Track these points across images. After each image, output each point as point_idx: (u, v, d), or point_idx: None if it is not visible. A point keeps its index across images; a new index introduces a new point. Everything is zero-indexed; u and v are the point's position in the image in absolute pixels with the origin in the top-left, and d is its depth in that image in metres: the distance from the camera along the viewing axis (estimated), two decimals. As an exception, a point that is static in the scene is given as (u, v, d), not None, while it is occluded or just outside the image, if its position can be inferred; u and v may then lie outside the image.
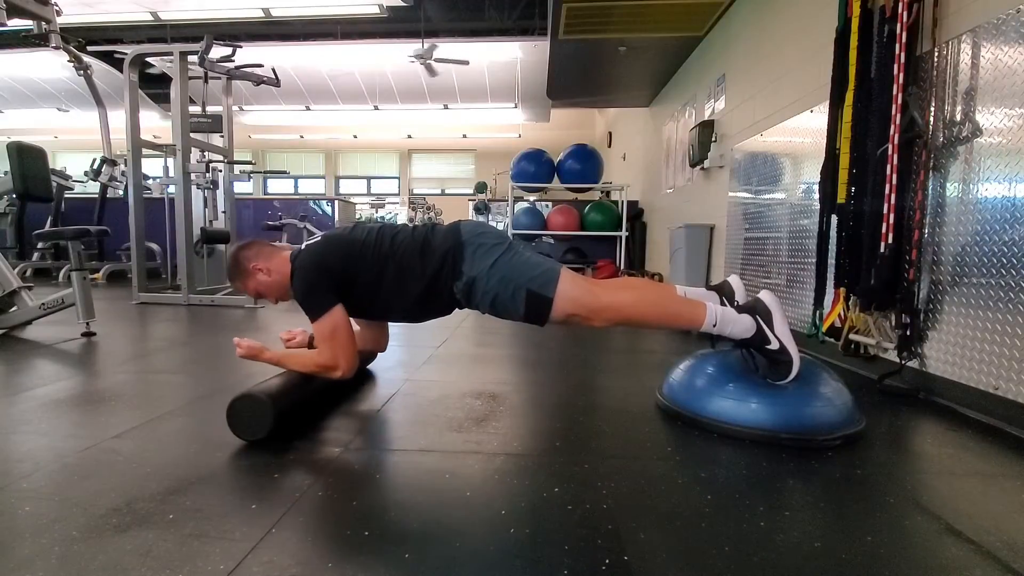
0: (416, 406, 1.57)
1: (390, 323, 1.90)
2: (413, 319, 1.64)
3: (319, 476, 1.09)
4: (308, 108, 9.68)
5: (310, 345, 1.73)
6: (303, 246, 1.58)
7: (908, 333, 1.77)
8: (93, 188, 5.75)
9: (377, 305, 1.55)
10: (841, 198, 2.00)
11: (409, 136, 12.51)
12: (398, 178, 13.30)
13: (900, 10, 1.76)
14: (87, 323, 2.58)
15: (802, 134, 2.52)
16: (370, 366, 2.01)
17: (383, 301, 1.53)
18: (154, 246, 5.71)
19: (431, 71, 7.12)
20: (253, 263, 1.59)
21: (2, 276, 2.59)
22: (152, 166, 6.47)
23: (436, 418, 1.46)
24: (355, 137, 12.58)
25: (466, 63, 6.95)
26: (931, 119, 1.74)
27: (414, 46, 6.85)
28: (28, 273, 5.56)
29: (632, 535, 0.89)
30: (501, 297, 1.43)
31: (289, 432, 1.32)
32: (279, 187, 13.23)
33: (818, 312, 2.20)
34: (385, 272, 1.49)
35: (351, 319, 1.52)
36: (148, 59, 4.53)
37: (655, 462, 1.20)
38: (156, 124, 8.78)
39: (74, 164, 8.31)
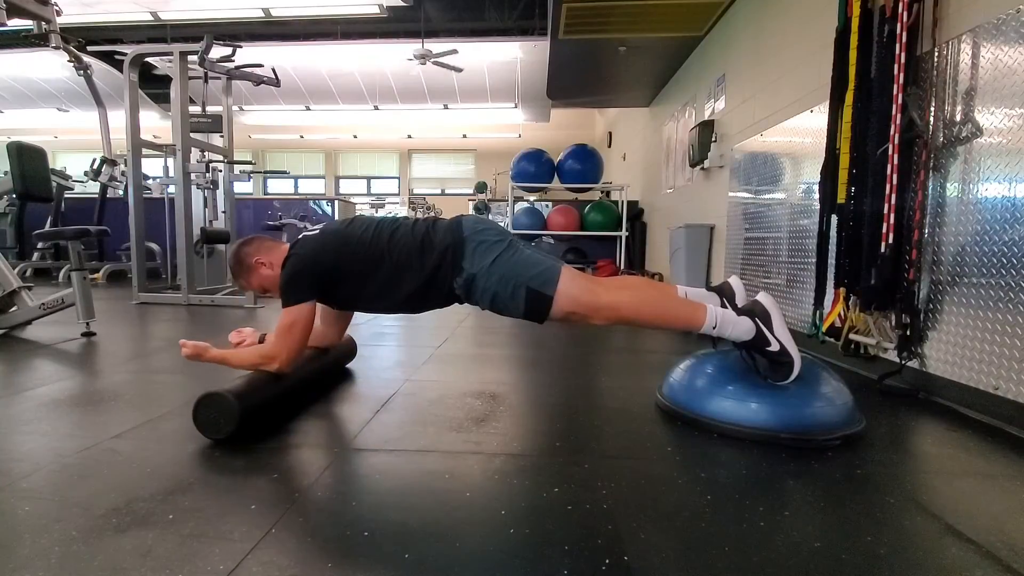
0: (416, 406, 1.57)
1: (388, 315, 1.88)
2: (411, 311, 1.62)
3: (319, 476, 1.09)
4: (308, 108, 9.68)
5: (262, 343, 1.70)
6: (301, 236, 1.57)
7: (908, 333, 1.77)
8: (93, 188, 5.75)
9: (373, 297, 1.54)
10: (841, 198, 2.00)
11: (409, 136, 12.50)
12: (398, 178, 13.30)
13: (900, 10, 1.76)
14: (87, 323, 2.58)
15: (802, 134, 2.52)
16: (369, 366, 2.01)
17: (380, 293, 1.52)
18: (154, 246, 5.70)
19: (448, 67, 7.06)
20: (255, 257, 1.59)
21: (2, 276, 2.59)
22: (152, 166, 6.46)
23: (436, 418, 1.46)
24: (355, 137, 12.57)
25: (455, 51, 6.91)
26: (931, 119, 1.73)
27: (414, 46, 6.84)
28: (28, 273, 5.56)
29: (632, 535, 0.89)
30: (501, 295, 1.43)
31: (288, 432, 1.32)
32: (279, 187, 13.22)
33: (818, 312, 2.20)
34: (382, 266, 1.48)
35: (342, 311, 1.49)
36: (148, 59, 4.53)
37: (655, 462, 1.20)
38: (156, 124, 8.78)
39: (74, 164, 8.31)
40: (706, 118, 4.09)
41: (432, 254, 1.46)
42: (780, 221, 2.70)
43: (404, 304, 1.54)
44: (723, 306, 1.44)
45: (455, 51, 6.84)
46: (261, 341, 1.69)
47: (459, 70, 7.12)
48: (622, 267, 5.83)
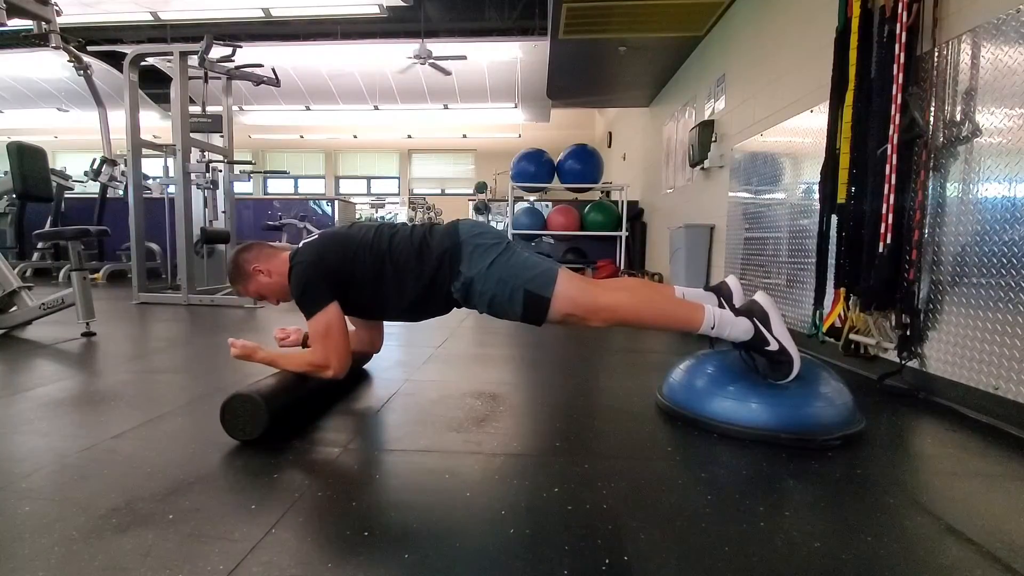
0: (416, 406, 1.57)
1: (388, 322, 1.91)
2: (411, 318, 1.64)
3: (319, 476, 1.09)
4: (308, 108, 9.68)
5: (304, 344, 1.73)
6: (301, 244, 1.58)
7: (908, 333, 1.77)
8: (93, 188, 5.74)
9: (375, 304, 1.55)
10: (841, 198, 1.99)
11: (409, 136, 12.51)
12: (398, 178, 13.30)
13: (900, 10, 1.76)
14: (87, 323, 2.58)
15: (802, 134, 2.52)
16: (369, 366, 2.01)
17: (381, 300, 1.53)
18: (154, 246, 5.70)
19: (443, 70, 7.08)
20: (253, 265, 1.59)
21: (2, 276, 2.59)
22: (152, 166, 6.46)
23: (436, 418, 1.46)
24: (355, 137, 12.57)
25: (463, 58, 6.93)
26: (931, 119, 1.73)
27: (414, 46, 6.85)
28: (28, 273, 5.56)
29: (632, 535, 0.89)
30: (499, 298, 1.43)
31: (288, 432, 1.32)
32: (279, 187, 13.22)
33: (818, 312, 2.20)
34: (383, 272, 1.49)
35: (347, 319, 1.52)
36: (148, 59, 4.53)
37: (655, 462, 1.20)
38: (156, 124, 8.78)
39: (74, 164, 8.30)
40: (706, 118, 4.09)
41: (430, 258, 1.46)
42: (780, 221, 2.70)
43: (407, 310, 1.55)
44: (721, 306, 1.44)
45: (464, 57, 6.87)
46: (304, 341, 1.73)
47: (463, 57, 7.07)
48: (622, 267, 5.82)
